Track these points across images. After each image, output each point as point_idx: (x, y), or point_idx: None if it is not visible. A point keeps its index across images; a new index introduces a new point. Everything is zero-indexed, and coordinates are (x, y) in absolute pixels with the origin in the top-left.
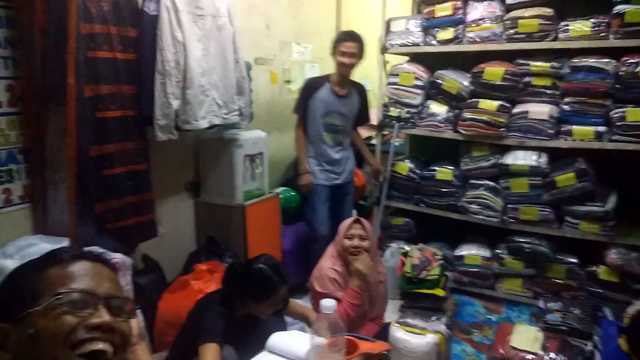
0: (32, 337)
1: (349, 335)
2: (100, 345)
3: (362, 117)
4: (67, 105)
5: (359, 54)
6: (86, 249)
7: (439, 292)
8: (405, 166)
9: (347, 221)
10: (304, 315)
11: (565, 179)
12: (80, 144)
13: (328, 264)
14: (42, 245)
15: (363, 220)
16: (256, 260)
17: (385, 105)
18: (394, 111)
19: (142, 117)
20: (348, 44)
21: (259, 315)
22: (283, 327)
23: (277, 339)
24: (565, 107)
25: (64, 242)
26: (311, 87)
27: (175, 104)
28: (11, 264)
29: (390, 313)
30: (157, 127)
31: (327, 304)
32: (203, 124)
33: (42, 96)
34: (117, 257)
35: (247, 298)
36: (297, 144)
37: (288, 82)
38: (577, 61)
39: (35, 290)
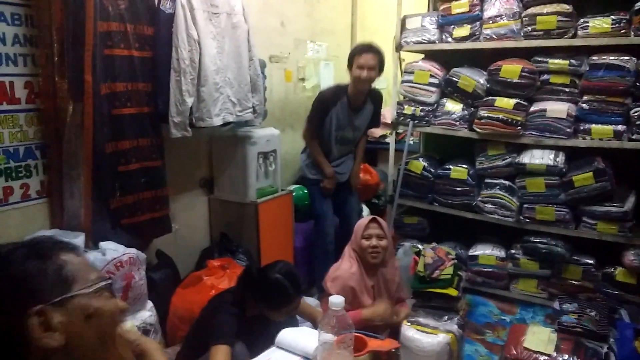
0: (91, 316)
1: (357, 333)
2: (128, 325)
3: (373, 123)
4: (83, 102)
5: (377, 68)
6: (101, 244)
7: (452, 291)
8: (419, 165)
9: (364, 221)
10: (312, 316)
11: (583, 178)
12: (97, 140)
13: (346, 267)
14: None
15: (379, 219)
16: (273, 267)
17: (400, 104)
18: (408, 109)
19: (157, 114)
20: (367, 56)
21: (271, 318)
22: (295, 324)
23: (286, 334)
24: (584, 106)
25: (80, 237)
26: (327, 102)
27: (190, 101)
28: None
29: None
30: (172, 124)
31: (336, 300)
32: (217, 121)
33: (60, 93)
34: (131, 252)
35: (261, 303)
36: (313, 152)
37: (302, 80)
38: (596, 59)
39: (66, 274)
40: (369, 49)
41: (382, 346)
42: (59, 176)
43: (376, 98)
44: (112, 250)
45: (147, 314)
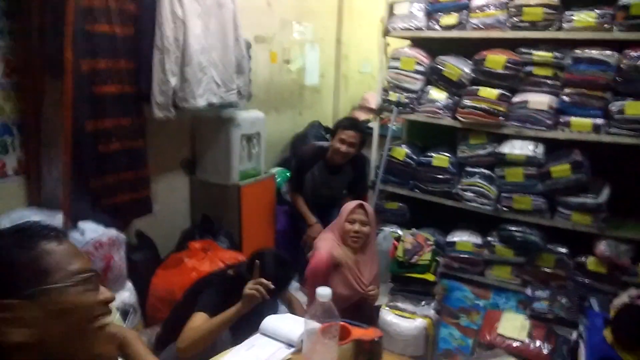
0: (60, 312)
1: (342, 321)
2: (107, 319)
3: (355, 189)
4: (63, 79)
5: (357, 145)
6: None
7: (430, 276)
8: (402, 151)
9: (351, 204)
10: (289, 300)
11: (561, 170)
12: (76, 118)
13: (327, 246)
14: (35, 219)
15: (366, 205)
16: (265, 256)
17: (385, 90)
18: (393, 96)
19: (140, 94)
20: (349, 133)
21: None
22: (275, 309)
23: (270, 321)
24: (565, 98)
25: (58, 216)
26: (306, 163)
27: (173, 81)
28: None
29: (381, 296)
30: (155, 104)
31: (323, 292)
32: (201, 102)
33: (38, 69)
34: (111, 232)
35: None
36: (296, 206)
37: (287, 62)
38: (579, 52)
39: (41, 267)
40: (353, 126)
41: (365, 335)
42: (37, 154)
43: (358, 165)
44: (92, 230)
45: (127, 294)
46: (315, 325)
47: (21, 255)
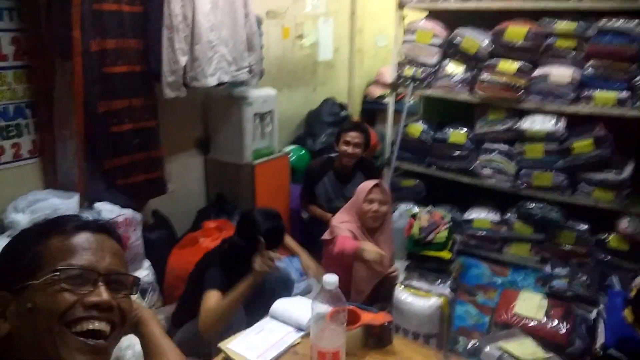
0: (30, 311)
1: (351, 305)
2: (96, 325)
3: None
4: (73, 59)
5: (363, 145)
6: (96, 204)
7: (446, 254)
8: (418, 128)
9: (368, 184)
10: (294, 251)
11: (583, 145)
12: (88, 99)
13: (346, 218)
14: (52, 200)
15: (383, 184)
16: (256, 218)
17: (400, 64)
18: (409, 70)
19: (150, 73)
20: (353, 134)
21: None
22: (289, 284)
23: (280, 305)
24: (589, 71)
25: (74, 197)
26: (314, 176)
27: (183, 60)
28: (22, 218)
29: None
30: (165, 83)
31: (330, 279)
32: (212, 81)
33: (48, 50)
34: (126, 212)
35: (250, 244)
36: (313, 213)
37: (300, 37)
38: (604, 23)
39: (35, 262)
40: (355, 127)
41: (374, 319)
42: (51, 135)
43: (368, 168)
44: (108, 211)
45: (145, 272)
46: (324, 310)
47: (28, 249)
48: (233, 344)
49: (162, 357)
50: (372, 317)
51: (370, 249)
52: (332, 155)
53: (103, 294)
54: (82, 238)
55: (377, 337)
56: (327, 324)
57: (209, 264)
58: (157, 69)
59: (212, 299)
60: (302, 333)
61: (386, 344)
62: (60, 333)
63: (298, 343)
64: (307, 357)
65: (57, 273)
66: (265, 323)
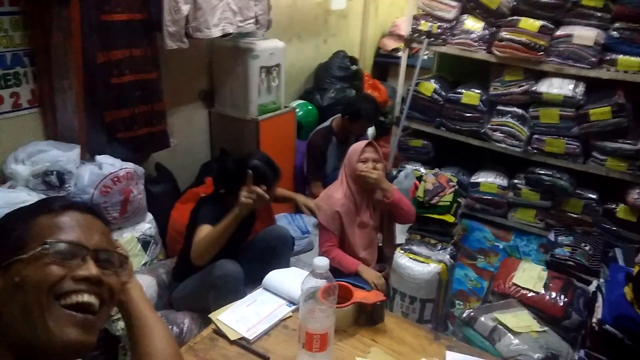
0: (18, 285)
1: (344, 282)
2: (85, 297)
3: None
4: (70, 6)
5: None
6: (98, 157)
7: (449, 218)
8: (430, 86)
9: (360, 144)
10: (290, 198)
11: (600, 112)
12: (86, 49)
13: (338, 195)
14: (52, 152)
15: (374, 142)
16: (250, 157)
17: (416, 18)
18: (424, 25)
19: (151, 22)
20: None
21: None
22: (289, 242)
23: (273, 276)
24: (614, 33)
25: (75, 150)
26: (320, 151)
27: (185, 9)
28: (22, 169)
29: (399, 234)
30: (167, 34)
31: (320, 262)
32: (216, 32)
33: None
34: (128, 166)
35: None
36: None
37: None
38: None
39: (23, 238)
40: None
41: (367, 298)
42: (50, 86)
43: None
44: (109, 164)
45: (147, 226)
46: (314, 284)
47: (16, 226)
48: (223, 316)
49: (149, 332)
50: (364, 295)
51: (368, 275)
52: (327, 125)
53: (92, 268)
54: (71, 216)
55: (369, 315)
56: (316, 303)
57: (201, 205)
58: (158, 18)
59: (204, 231)
60: (293, 307)
61: (377, 322)
62: (49, 306)
63: (289, 317)
64: (296, 332)
65: (47, 246)
66: (258, 294)
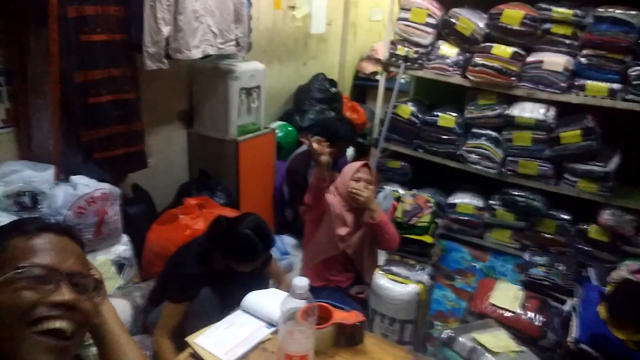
0: None
1: (324, 302)
2: (57, 324)
3: None
4: (49, 26)
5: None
6: (73, 178)
7: (427, 238)
8: (407, 109)
9: (356, 164)
10: (278, 277)
11: (571, 135)
12: (64, 68)
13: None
14: (26, 172)
15: (370, 165)
16: (243, 221)
17: (393, 43)
18: (401, 50)
19: (131, 43)
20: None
21: (237, 269)
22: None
23: (252, 298)
24: (582, 60)
25: (49, 170)
26: (303, 174)
27: (166, 30)
28: None
29: (379, 255)
30: (146, 54)
31: (300, 283)
32: (196, 53)
33: (22, 13)
34: (104, 187)
35: (229, 256)
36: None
37: (292, 7)
38: (602, 10)
39: None
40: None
41: (347, 319)
42: (26, 105)
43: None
44: (84, 185)
45: (122, 247)
46: (293, 305)
47: None
48: (201, 339)
49: (123, 356)
50: (344, 316)
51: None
52: (305, 149)
53: (66, 293)
54: (45, 239)
55: (349, 336)
56: (296, 324)
57: (184, 254)
58: (138, 39)
59: (167, 313)
60: (272, 329)
61: (357, 343)
62: (21, 332)
63: (268, 339)
64: (275, 355)
65: (19, 271)
66: (236, 317)
